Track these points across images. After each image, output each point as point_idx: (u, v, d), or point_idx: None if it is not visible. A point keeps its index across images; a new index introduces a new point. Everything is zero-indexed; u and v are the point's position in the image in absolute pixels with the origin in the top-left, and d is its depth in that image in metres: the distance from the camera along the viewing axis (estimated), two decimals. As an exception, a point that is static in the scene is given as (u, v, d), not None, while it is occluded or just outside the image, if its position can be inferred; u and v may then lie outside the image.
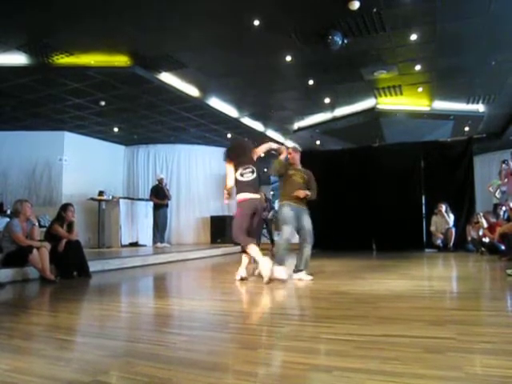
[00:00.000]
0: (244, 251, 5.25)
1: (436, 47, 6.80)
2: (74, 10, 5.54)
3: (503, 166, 9.38)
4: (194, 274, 6.80)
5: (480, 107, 9.95)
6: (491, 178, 11.92)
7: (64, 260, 5.65)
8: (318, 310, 3.45)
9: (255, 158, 5.41)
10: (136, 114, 9.79)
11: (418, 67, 7.63)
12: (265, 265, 4.80)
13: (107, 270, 6.63)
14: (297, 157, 5.60)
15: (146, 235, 11.06)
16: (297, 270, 5.26)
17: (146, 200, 11.41)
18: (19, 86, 7.75)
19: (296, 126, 11.70)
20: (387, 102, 9.70)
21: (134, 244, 10.78)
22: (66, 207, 6.09)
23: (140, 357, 2.19)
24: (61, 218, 5.99)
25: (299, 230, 5.34)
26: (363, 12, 5.66)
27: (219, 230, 12.49)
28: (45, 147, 10.61)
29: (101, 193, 10.32)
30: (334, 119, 10.85)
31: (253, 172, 5.20)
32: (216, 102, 9.39)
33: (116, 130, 11.05)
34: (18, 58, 6.85)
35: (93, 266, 6.14)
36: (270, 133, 12.20)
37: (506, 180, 9.27)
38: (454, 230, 9.40)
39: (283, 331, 2.75)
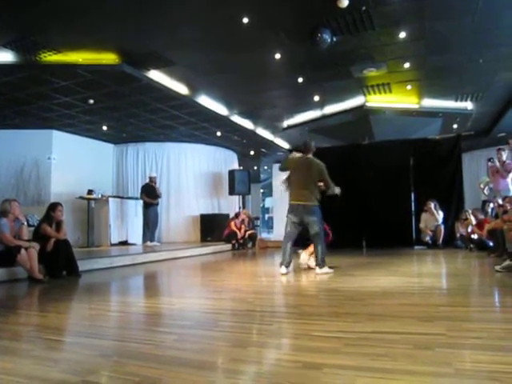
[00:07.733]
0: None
1: (425, 45, 6.83)
2: (62, 8, 5.47)
3: (489, 164, 9.48)
4: (184, 273, 6.78)
5: (468, 105, 10.01)
6: (479, 175, 12.06)
7: (53, 259, 5.61)
8: (308, 308, 3.45)
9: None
10: (125, 112, 9.71)
11: (406, 65, 7.65)
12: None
13: (96, 269, 6.57)
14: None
15: (135, 234, 10.98)
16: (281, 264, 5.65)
17: (136, 198, 11.33)
18: (6, 84, 7.63)
19: (285, 123, 11.69)
20: (376, 100, 9.73)
21: (124, 243, 10.70)
22: (54, 206, 6.04)
23: (130, 356, 2.18)
24: (49, 218, 5.94)
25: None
26: (352, 10, 5.66)
27: (209, 228, 12.46)
28: (33, 146, 10.46)
29: (90, 191, 10.22)
30: (324, 117, 10.85)
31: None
32: (205, 100, 9.34)
33: (105, 128, 10.95)
34: (4, 56, 6.74)
35: (82, 265, 6.09)
36: (260, 131, 12.20)
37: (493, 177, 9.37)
38: (443, 227, 9.48)
39: (273, 329, 2.75)
